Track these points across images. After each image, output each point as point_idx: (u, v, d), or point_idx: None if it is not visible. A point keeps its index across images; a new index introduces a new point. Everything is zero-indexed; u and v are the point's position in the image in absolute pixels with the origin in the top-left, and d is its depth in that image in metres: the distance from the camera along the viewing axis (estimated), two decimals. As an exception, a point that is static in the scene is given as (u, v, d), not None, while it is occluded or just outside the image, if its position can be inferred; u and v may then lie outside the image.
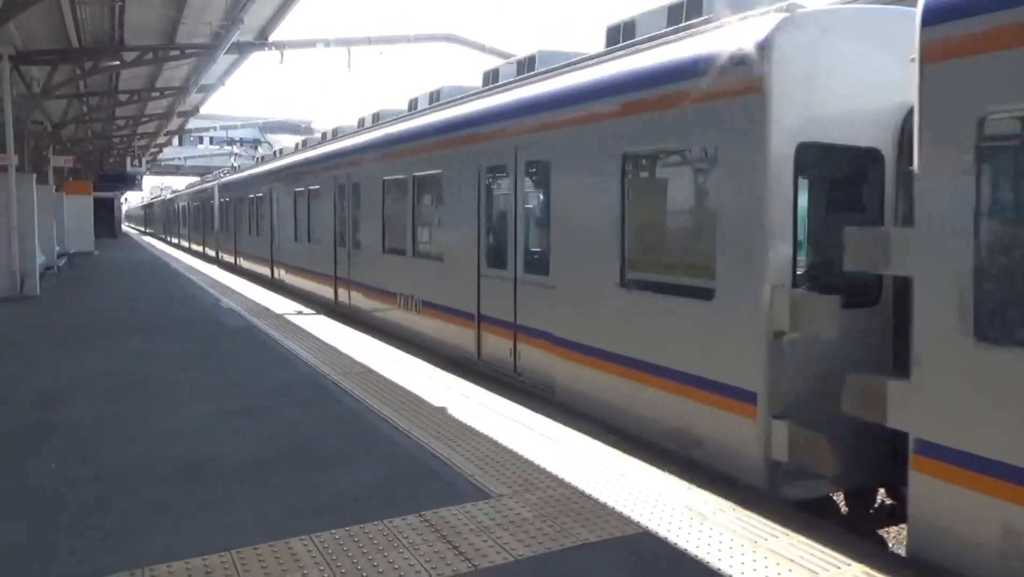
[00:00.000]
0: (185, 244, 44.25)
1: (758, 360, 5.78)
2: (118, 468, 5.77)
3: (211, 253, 33.55)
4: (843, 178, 6.40)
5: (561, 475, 5.60)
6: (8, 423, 7.00)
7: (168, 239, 55.02)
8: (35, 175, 18.30)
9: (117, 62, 18.24)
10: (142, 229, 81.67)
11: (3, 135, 15.95)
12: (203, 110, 32.04)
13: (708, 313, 6.29)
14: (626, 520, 4.80)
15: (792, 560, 4.33)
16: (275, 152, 29.61)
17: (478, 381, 8.84)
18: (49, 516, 4.88)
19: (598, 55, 8.69)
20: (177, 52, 17.98)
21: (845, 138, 5.94)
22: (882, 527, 6.74)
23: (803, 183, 5.99)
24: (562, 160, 8.34)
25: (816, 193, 6.38)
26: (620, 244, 7.39)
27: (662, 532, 4.64)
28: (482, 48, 24.64)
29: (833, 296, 5.36)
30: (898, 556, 5.10)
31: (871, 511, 6.54)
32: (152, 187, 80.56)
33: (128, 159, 41.23)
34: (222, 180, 32.89)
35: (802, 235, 6.07)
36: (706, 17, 7.26)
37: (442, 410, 7.40)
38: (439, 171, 11.24)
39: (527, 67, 10.73)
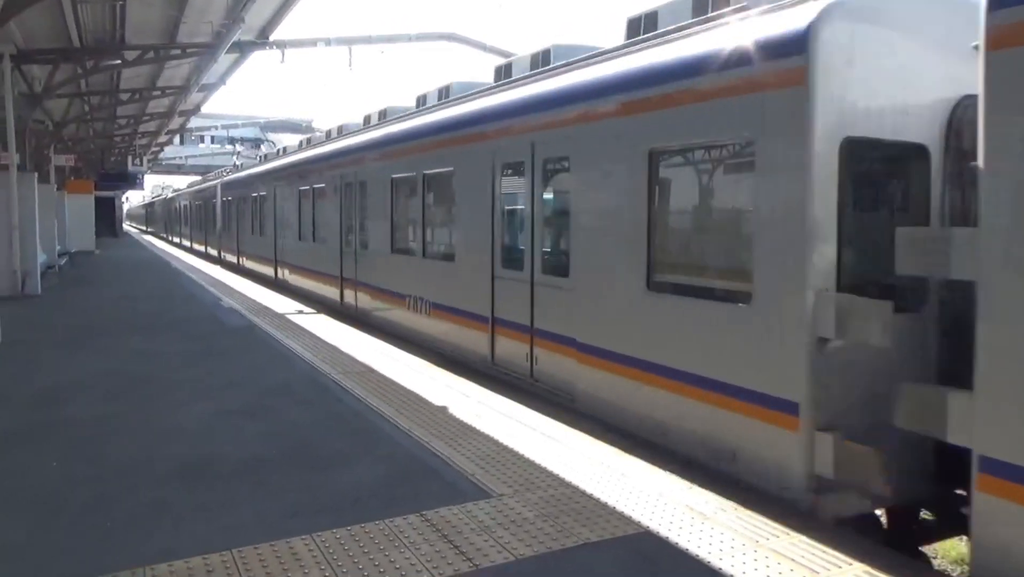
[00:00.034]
0: (187, 244, 44.15)
1: (801, 368, 5.42)
2: (119, 467, 5.77)
3: (213, 253, 33.36)
4: (888, 175, 6.11)
5: (562, 474, 5.60)
6: (9, 422, 7.00)
7: (169, 238, 55.00)
8: (36, 174, 18.28)
9: (118, 61, 18.24)
10: (143, 228, 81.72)
11: (4, 134, 15.95)
12: (204, 109, 32.03)
13: (744, 318, 5.95)
14: (627, 520, 4.80)
15: (793, 559, 4.32)
16: (279, 150, 29.33)
17: (480, 381, 8.83)
18: (50, 515, 4.88)
19: (619, 48, 8.38)
20: (178, 51, 17.97)
21: (890, 132, 5.60)
22: (924, 544, 6.47)
23: (847, 180, 5.59)
24: (584, 156, 8.00)
25: (860, 191, 5.94)
26: (647, 245, 7.03)
27: (663, 531, 4.63)
28: (483, 47, 24.61)
29: (885, 301, 5.00)
30: (899, 555, 5.07)
31: (913, 527, 6.26)
32: (153, 186, 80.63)
33: (129, 158, 41.28)
34: (224, 179, 32.67)
35: (846, 236, 5.67)
36: (736, 6, 6.94)
37: (443, 409, 7.39)
38: (451, 169, 10.93)
39: (541, 61, 10.38)
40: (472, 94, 11.62)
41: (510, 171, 9.56)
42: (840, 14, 5.49)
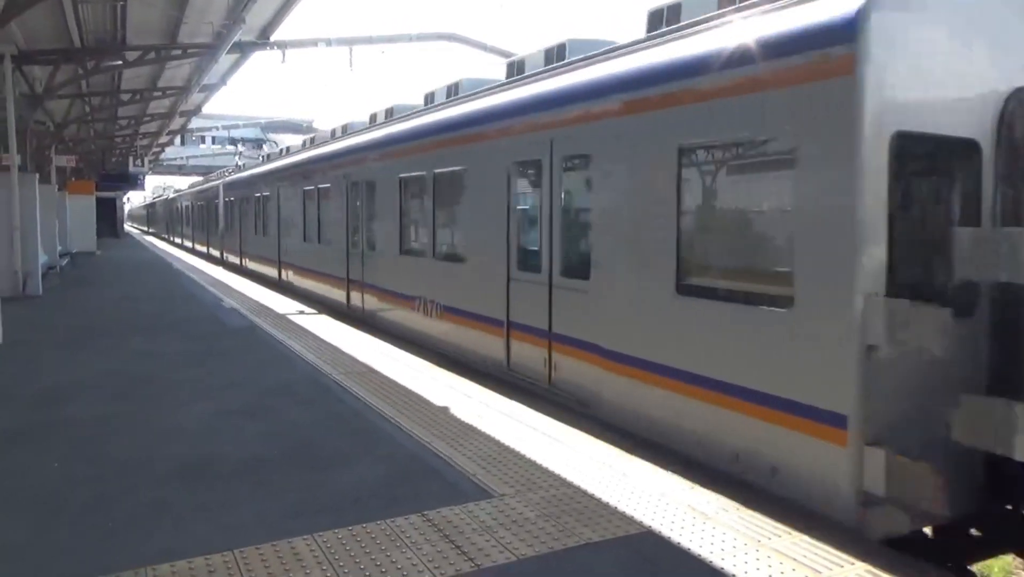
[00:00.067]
0: (189, 245, 44.10)
1: (849, 379, 5.08)
2: (120, 467, 5.77)
3: (215, 254, 33.23)
4: (938, 172, 5.81)
5: (564, 475, 5.59)
6: (10, 422, 6.99)
7: (171, 239, 55.00)
8: (38, 175, 18.31)
9: (119, 62, 18.25)
10: (144, 229, 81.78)
11: (6, 135, 15.96)
12: (205, 110, 32.07)
13: (785, 323, 5.58)
14: (629, 520, 4.79)
15: (795, 559, 4.31)
16: (282, 150, 29.03)
17: (481, 382, 8.82)
18: (50, 515, 4.88)
19: (641, 40, 7.98)
20: (179, 52, 17.97)
21: (942, 127, 5.31)
22: (973, 561, 6.12)
23: (896, 177, 5.26)
24: (606, 154, 7.63)
25: (909, 189, 5.62)
26: (675, 247, 6.69)
27: (665, 531, 4.63)
28: (484, 47, 24.62)
29: (942, 307, 4.72)
30: (900, 555, 5.05)
31: (961, 543, 5.92)
32: (155, 187, 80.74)
33: (130, 159, 41.27)
34: (227, 179, 32.46)
35: (896, 237, 5.33)
36: None
37: (444, 410, 7.38)
38: (463, 167, 10.60)
39: (556, 56, 10.00)
40: (484, 91, 11.22)
41: (526, 169, 9.26)
42: (890, 0, 5.18)
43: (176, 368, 9.29)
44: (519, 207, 9.45)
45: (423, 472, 5.68)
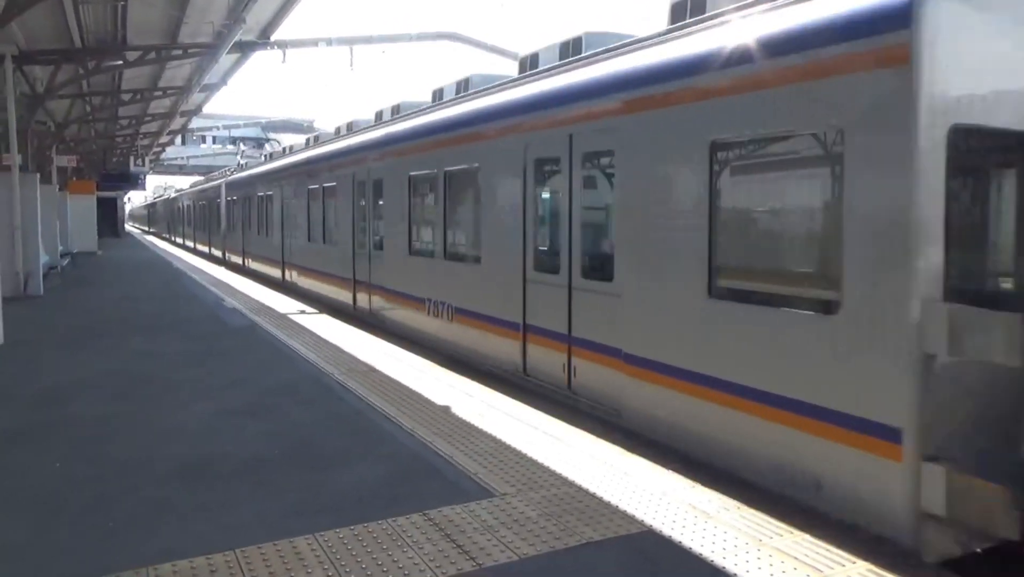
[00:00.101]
0: (190, 244, 44.08)
1: (905, 390, 4.75)
2: (121, 467, 5.77)
3: (217, 254, 33.14)
4: (997, 168, 5.53)
5: (565, 474, 5.58)
6: (11, 422, 6.99)
7: (172, 239, 55.00)
8: (39, 175, 18.32)
9: (120, 62, 18.27)
10: (145, 229, 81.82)
11: (7, 135, 15.98)
12: (206, 109, 32.08)
13: (831, 330, 5.27)
14: (630, 518, 4.78)
15: (797, 558, 4.30)
16: (285, 149, 28.76)
17: (483, 382, 8.81)
18: (51, 515, 4.87)
19: (664, 32, 7.71)
20: (180, 51, 17.98)
21: (1000, 120, 5.02)
22: None
23: (954, 174, 4.97)
24: (633, 150, 7.30)
25: (968, 186, 5.35)
26: (708, 248, 6.35)
27: (666, 530, 4.62)
28: (484, 47, 24.62)
29: (1015, 313, 4.35)
30: (902, 554, 5.04)
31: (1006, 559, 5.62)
32: (155, 186, 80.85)
33: (131, 158, 41.36)
34: (229, 178, 32.31)
35: (954, 237, 5.02)
36: None
37: (446, 409, 7.38)
38: (476, 165, 10.31)
39: (572, 50, 9.73)
40: (495, 86, 10.91)
41: (544, 166, 8.96)
42: None
43: (177, 368, 9.29)
44: (536, 206, 9.17)
45: (425, 471, 5.67)
